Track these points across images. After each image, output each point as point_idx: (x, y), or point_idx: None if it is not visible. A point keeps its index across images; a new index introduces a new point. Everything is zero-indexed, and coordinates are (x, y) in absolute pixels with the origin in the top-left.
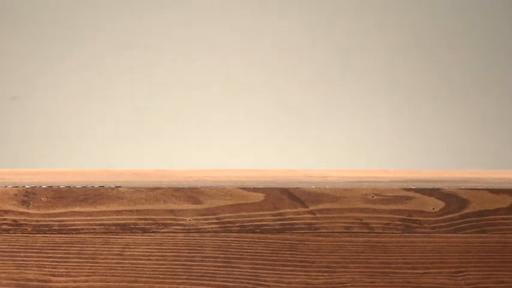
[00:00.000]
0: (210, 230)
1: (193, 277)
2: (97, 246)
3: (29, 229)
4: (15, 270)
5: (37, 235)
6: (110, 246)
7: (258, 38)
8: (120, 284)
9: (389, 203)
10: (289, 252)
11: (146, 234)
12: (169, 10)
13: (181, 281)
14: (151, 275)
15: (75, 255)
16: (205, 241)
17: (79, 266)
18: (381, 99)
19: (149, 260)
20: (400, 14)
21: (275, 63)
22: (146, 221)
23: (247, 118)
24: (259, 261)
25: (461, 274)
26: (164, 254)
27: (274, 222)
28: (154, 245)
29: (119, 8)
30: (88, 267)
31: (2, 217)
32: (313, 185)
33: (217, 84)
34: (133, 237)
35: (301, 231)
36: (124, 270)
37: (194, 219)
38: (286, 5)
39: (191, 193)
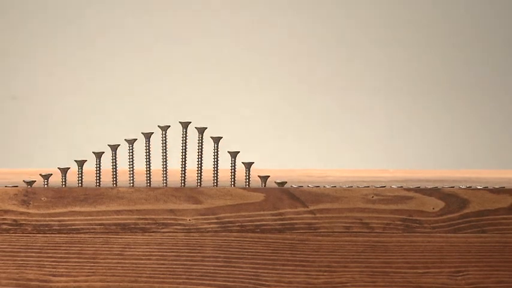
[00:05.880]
0: (210, 229)
1: (194, 277)
2: (97, 246)
3: (29, 229)
4: (16, 270)
5: (37, 235)
6: (110, 246)
7: (259, 38)
8: (120, 283)
9: (389, 203)
10: (289, 251)
11: (146, 234)
12: (171, 11)
13: (181, 280)
14: (151, 275)
15: (75, 255)
16: (206, 241)
17: (79, 265)
18: (381, 100)
19: (149, 259)
20: (401, 14)
21: (276, 63)
22: (146, 221)
23: (247, 118)
24: (259, 261)
25: (461, 274)
26: (164, 253)
27: (274, 222)
28: (155, 245)
29: (121, 8)
30: (88, 267)
31: (2, 217)
32: (313, 185)
33: (217, 84)
34: (134, 237)
35: (301, 231)
36: (124, 270)
37: (194, 219)
38: (287, 4)
39: (191, 193)
